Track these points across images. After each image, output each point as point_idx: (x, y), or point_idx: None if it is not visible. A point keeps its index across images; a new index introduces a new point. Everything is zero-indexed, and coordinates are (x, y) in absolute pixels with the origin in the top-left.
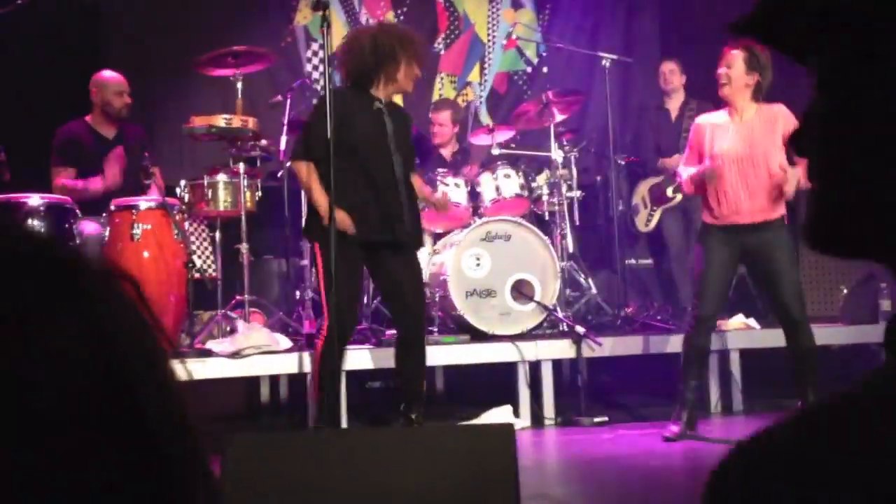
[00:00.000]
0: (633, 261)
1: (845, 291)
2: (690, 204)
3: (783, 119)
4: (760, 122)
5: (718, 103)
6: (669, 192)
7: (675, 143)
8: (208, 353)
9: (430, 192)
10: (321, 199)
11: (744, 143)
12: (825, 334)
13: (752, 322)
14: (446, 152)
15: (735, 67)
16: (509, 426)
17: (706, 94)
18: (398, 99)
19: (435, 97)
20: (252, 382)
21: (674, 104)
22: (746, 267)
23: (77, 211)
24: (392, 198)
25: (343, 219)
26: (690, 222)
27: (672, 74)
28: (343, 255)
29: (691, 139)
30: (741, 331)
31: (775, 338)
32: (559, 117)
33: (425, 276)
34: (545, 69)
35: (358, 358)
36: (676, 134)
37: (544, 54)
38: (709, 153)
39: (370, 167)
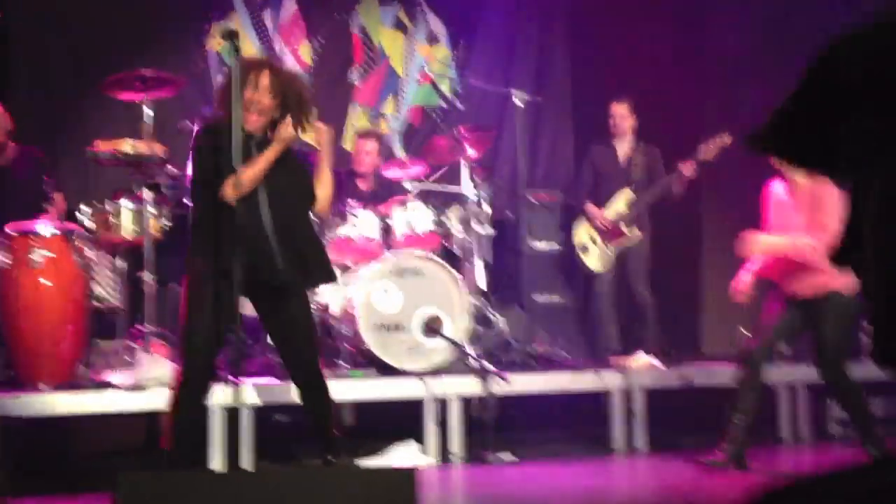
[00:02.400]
0: (541, 297)
1: (745, 333)
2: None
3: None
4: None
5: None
6: (624, 227)
7: (619, 185)
8: (107, 385)
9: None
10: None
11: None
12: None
13: (655, 360)
14: (364, 184)
15: None
16: (412, 470)
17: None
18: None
19: (348, 127)
20: (152, 417)
21: (623, 146)
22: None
23: None
24: (257, 234)
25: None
26: (621, 260)
27: (623, 120)
28: (207, 293)
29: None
30: (646, 369)
31: (677, 376)
32: (471, 153)
33: (335, 308)
34: (459, 105)
35: (266, 392)
36: (623, 177)
37: (459, 90)
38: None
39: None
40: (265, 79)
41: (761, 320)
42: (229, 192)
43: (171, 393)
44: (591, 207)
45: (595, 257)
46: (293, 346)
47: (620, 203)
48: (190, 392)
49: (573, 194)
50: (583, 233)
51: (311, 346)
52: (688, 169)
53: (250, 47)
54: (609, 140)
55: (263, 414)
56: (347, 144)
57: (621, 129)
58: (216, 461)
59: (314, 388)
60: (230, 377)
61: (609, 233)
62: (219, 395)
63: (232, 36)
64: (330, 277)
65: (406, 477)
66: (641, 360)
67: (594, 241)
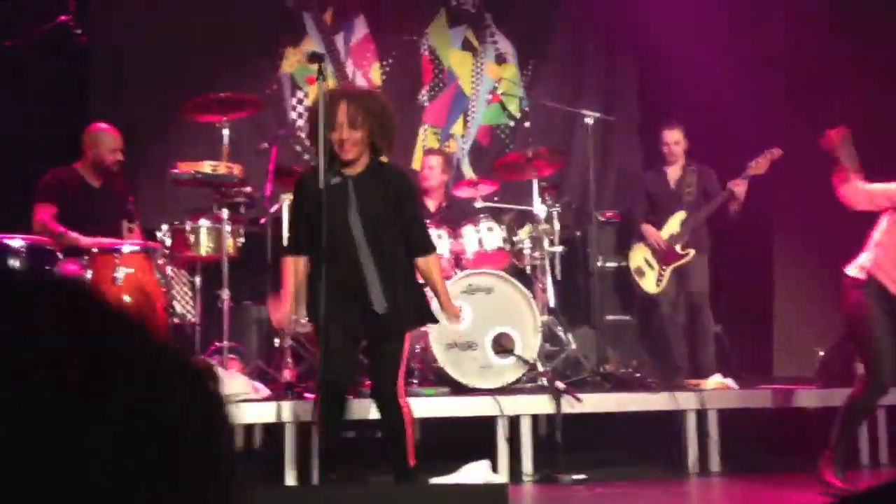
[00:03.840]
0: (611, 316)
1: (821, 354)
2: (690, 262)
3: None
4: None
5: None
6: (678, 248)
7: (672, 210)
8: None
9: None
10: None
11: None
12: (800, 397)
13: (730, 382)
14: (432, 202)
15: None
16: (501, 487)
17: (695, 154)
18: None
19: (418, 148)
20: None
21: (674, 171)
22: None
23: (58, 253)
24: (351, 279)
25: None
26: (684, 280)
27: (677, 146)
28: (333, 334)
29: None
30: (720, 391)
31: (752, 398)
32: (543, 172)
33: None
34: (528, 124)
35: None
36: (675, 200)
37: (527, 109)
38: None
39: (331, 249)
40: (342, 114)
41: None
42: None
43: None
44: (647, 227)
45: (651, 280)
46: (378, 369)
47: (674, 224)
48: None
49: (629, 220)
50: (638, 256)
51: (390, 394)
52: (738, 186)
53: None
54: (660, 166)
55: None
56: (416, 164)
57: (671, 156)
58: (289, 478)
59: (390, 427)
60: (303, 393)
61: (664, 254)
62: (289, 412)
63: (318, 59)
64: (408, 325)
65: (496, 493)
66: (716, 382)
67: (650, 264)
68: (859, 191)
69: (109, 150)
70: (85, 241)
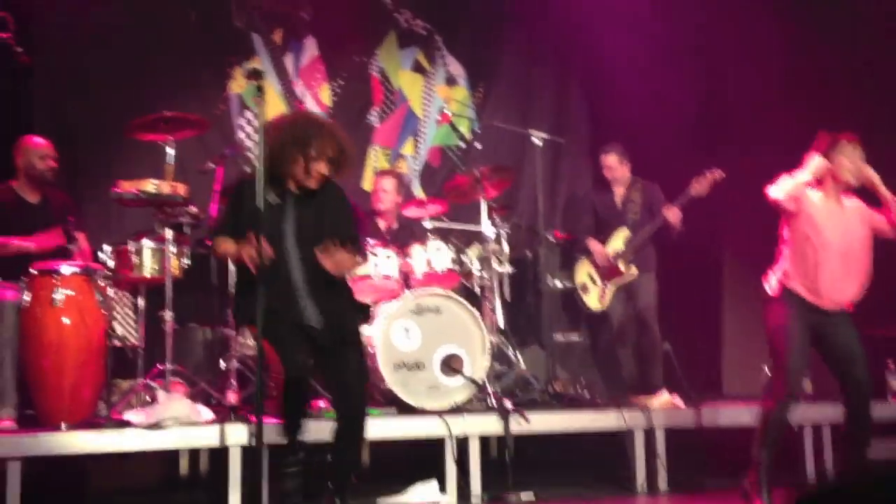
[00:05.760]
0: (560, 336)
1: (766, 371)
2: (637, 280)
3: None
4: (854, 214)
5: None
6: (621, 265)
7: (617, 226)
8: (126, 424)
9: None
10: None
11: (847, 235)
12: (749, 414)
13: (677, 400)
14: (383, 223)
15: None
16: None
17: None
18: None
19: (367, 169)
20: (171, 455)
21: (619, 190)
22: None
23: None
24: (289, 294)
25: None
26: (631, 299)
27: (610, 170)
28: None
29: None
30: (667, 409)
31: (700, 416)
32: (491, 192)
33: None
34: (478, 145)
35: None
36: (621, 219)
37: (478, 130)
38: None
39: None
40: (329, 149)
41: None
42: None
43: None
44: (592, 242)
45: (594, 296)
46: (342, 391)
47: (618, 241)
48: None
49: (576, 238)
50: (583, 272)
51: (360, 390)
52: (670, 212)
53: (272, 90)
54: (608, 184)
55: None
56: (366, 185)
57: (613, 178)
58: (234, 500)
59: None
60: (248, 416)
61: (607, 270)
62: (234, 435)
63: (257, 75)
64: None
65: None
66: (663, 399)
67: (593, 280)
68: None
69: (38, 156)
70: (20, 244)
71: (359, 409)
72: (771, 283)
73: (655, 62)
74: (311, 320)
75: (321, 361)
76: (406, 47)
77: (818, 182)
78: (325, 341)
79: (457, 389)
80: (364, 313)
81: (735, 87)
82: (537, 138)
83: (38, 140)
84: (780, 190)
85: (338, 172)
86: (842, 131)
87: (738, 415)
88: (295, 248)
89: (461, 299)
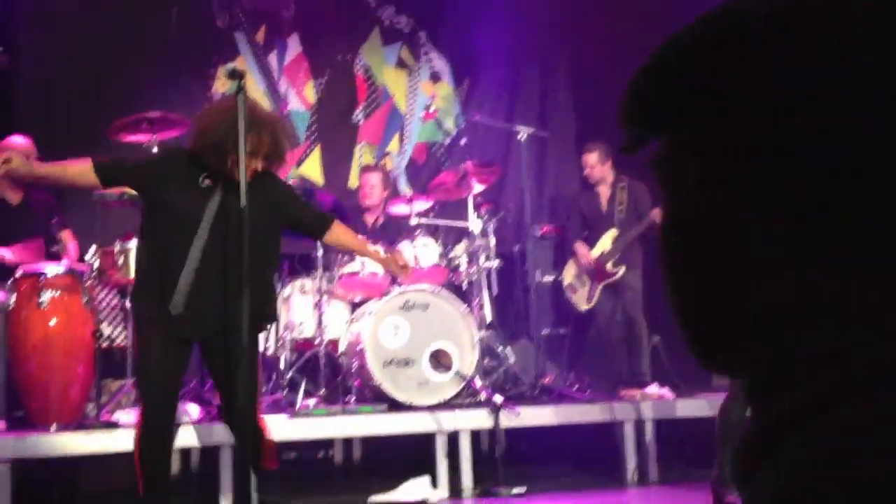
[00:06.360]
0: (548, 329)
1: None
2: (623, 276)
3: None
4: None
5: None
6: (609, 266)
7: (605, 228)
8: (115, 425)
9: (376, 252)
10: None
11: None
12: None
13: (666, 392)
14: (370, 218)
15: None
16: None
17: (630, 166)
18: (314, 168)
19: (354, 167)
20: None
21: (605, 190)
22: None
23: None
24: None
25: None
26: (619, 295)
27: (592, 169)
28: (161, 337)
29: None
30: (656, 401)
31: (689, 408)
32: (477, 188)
33: (342, 345)
34: (463, 140)
35: (272, 429)
36: (608, 219)
37: (463, 126)
38: None
39: (176, 246)
40: (250, 143)
41: None
42: None
43: (135, 440)
44: (579, 246)
45: (582, 297)
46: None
47: (606, 242)
48: (153, 435)
49: (565, 235)
50: (571, 273)
51: (245, 399)
52: (659, 214)
53: (256, 88)
54: (593, 185)
55: None
56: (353, 182)
57: (595, 177)
58: (225, 500)
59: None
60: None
61: (595, 272)
62: (224, 434)
63: (238, 75)
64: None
65: None
66: (652, 392)
67: (581, 281)
68: None
69: (18, 155)
70: (13, 257)
71: (249, 423)
72: None
73: (642, 56)
74: (190, 328)
75: (209, 363)
76: (390, 44)
77: None
78: (214, 346)
79: (446, 385)
80: (268, 322)
81: None
82: (522, 133)
83: (17, 140)
84: None
85: (270, 167)
86: None
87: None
88: (206, 233)
89: (449, 295)
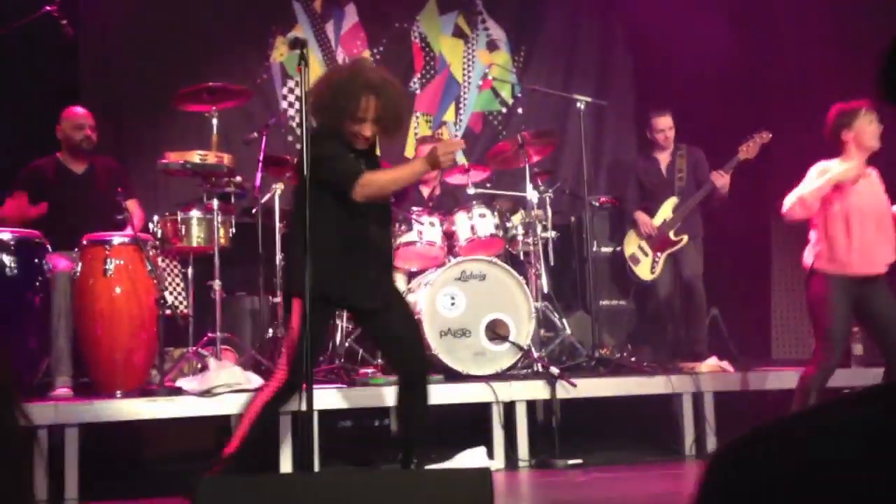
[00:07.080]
0: (606, 301)
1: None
2: (683, 246)
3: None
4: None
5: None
6: (672, 234)
7: (664, 196)
8: (178, 392)
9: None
10: (399, 174)
11: (875, 197)
12: (794, 378)
13: (725, 364)
14: (426, 190)
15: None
16: (486, 470)
17: (685, 136)
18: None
19: (410, 137)
20: (222, 421)
21: (664, 157)
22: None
23: (47, 245)
24: (362, 257)
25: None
26: (678, 264)
27: (671, 131)
28: (318, 313)
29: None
30: (715, 373)
31: (747, 380)
32: (534, 158)
33: None
34: (520, 110)
35: (329, 398)
36: (667, 187)
37: (519, 95)
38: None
39: (348, 222)
40: (371, 111)
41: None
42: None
43: (264, 393)
44: (640, 215)
45: (646, 267)
46: (404, 349)
47: (667, 210)
48: (282, 400)
49: (623, 206)
50: (632, 243)
51: (421, 346)
52: (719, 178)
53: (313, 58)
54: (651, 152)
55: (328, 419)
56: (409, 152)
57: (669, 141)
58: (285, 465)
59: (419, 390)
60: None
61: (657, 240)
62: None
63: (301, 44)
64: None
65: (481, 476)
66: (711, 364)
67: (644, 251)
68: (794, 202)
69: (73, 126)
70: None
71: (421, 373)
72: (808, 258)
73: (701, 23)
74: (368, 299)
75: (370, 326)
76: (446, 12)
77: (842, 153)
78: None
79: (502, 355)
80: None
81: (782, 48)
82: (580, 102)
83: (76, 110)
84: (800, 208)
85: (385, 132)
86: (854, 100)
87: (786, 379)
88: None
89: (505, 265)
